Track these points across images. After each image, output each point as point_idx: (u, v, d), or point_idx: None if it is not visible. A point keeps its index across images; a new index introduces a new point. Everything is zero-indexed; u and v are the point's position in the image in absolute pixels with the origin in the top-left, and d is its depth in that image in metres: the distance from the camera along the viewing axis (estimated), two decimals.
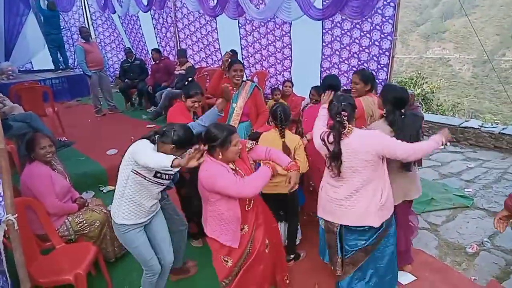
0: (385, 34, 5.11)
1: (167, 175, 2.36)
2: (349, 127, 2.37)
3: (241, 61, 7.24)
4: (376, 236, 2.50)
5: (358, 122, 2.97)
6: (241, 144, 2.35)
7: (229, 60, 3.59)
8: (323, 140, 2.43)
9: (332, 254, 2.66)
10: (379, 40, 5.20)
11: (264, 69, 7.19)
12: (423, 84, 10.27)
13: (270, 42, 6.83)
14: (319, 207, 2.64)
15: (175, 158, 1.94)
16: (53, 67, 8.94)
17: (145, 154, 2.10)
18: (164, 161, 1.96)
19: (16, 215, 2.16)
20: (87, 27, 9.38)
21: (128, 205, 2.30)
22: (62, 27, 9.28)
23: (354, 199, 2.43)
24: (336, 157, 2.36)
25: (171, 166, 1.92)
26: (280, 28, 6.51)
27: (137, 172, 2.23)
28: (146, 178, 2.26)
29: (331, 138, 2.39)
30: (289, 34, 6.44)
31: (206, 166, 2.19)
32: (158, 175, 2.31)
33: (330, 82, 3.34)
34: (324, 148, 2.44)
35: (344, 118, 2.35)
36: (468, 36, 41.69)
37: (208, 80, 7.23)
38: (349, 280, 2.61)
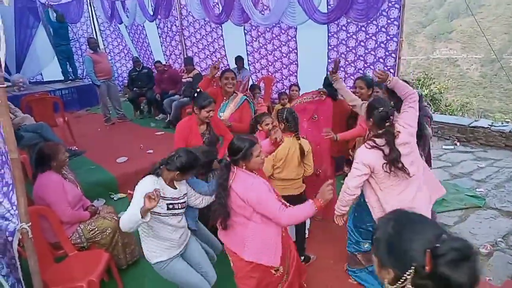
0: (391, 36, 5.11)
1: (179, 205, 2.39)
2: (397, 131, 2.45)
3: (247, 68, 7.33)
4: None
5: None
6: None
7: (218, 68, 3.58)
8: (375, 147, 2.42)
9: None
10: (385, 42, 5.20)
11: (270, 74, 7.22)
12: (430, 84, 10.20)
13: (276, 47, 6.86)
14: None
15: (141, 208, 2.00)
16: (62, 78, 9.09)
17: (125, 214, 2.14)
18: (133, 218, 2.06)
19: (30, 223, 2.20)
20: (95, 37, 9.52)
21: (158, 243, 2.31)
22: (71, 38, 9.46)
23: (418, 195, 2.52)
24: (397, 160, 2.38)
25: (141, 217, 2.01)
26: (286, 33, 6.55)
27: (150, 212, 2.14)
28: (161, 214, 2.28)
29: (380, 142, 2.43)
30: (294, 39, 6.47)
31: (242, 177, 2.17)
32: (171, 206, 2.34)
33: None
34: (379, 157, 2.41)
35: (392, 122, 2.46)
36: (475, 36, 41.35)
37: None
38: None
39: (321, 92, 3.79)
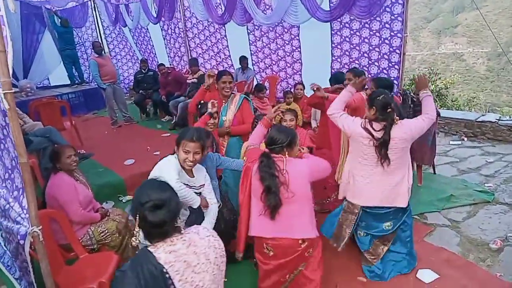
0: (395, 32, 5.09)
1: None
2: (396, 118, 2.65)
3: (251, 67, 7.34)
4: (401, 217, 2.87)
5: (358, 112, 3.20)
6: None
7: (213, 75, 3.52)
8: (365, 128, 2.68)
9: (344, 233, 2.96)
10: (389, 38, 5.18)
11: (274, 73, 7.22)
12: (436, 80, 10.11)
13: (279, 46, 6.87)
14: (347, 192, 2.93)
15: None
16: (69, 82, 9.18)
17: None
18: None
19: (41, 227, 2.23)
20: (100, 41, 9.60)
21: None
22: (76, 43, 9.55)
23: (391, 182, 2.78)
24: (385, 144, 2.63)
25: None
26: (289, 32, 6.55)
27: None
28: None
29: (377, 126, 2.66)
30: (298, 37, 6.47)
31: (293, 160, 2.34)
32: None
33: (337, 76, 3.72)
34: (366, 136, 2.68)
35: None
36: (481, 30, 40.96)
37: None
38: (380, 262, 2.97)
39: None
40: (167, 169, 2.27)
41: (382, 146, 2.65)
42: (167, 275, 1.34)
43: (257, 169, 2.32)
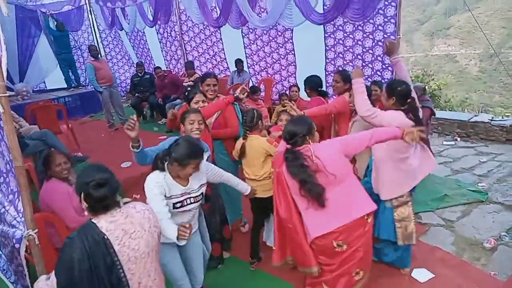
0: (388, 34, 5.13)
1: (191, 199, 2.31)
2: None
3: (247, 70, 7.37)
4: None
5: (343, 117, 3.34)
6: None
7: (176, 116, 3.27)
8: (410, 117, 2.65)
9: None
10: (382, 40, 5.22)
11: (269, 76, 7.26)
12: (429, 81, 10.21)
13: (273, 49, 6.90)
14: (387, 190, 2.80)
15: (177, 234, 2.01)
16: (65, 86, 9.16)
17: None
18: (167, 232, 2.03)
19: (37, 230, 2.23)
20: (96, 45, 9.60)
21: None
22: (72, 46, 9.53)
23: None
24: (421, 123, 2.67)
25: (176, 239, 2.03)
26: (282, 35, 6.59)
27: None
28: (169, 210, 2.21)
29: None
30: (291, 41, 6.51)
31: (319, 145, 2.36)
32: (178, 205, 2.26)
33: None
34: (412, 124, 2.62)
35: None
36: (473, 31, 41.27)
37: None
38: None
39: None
40: (149, 188, 2.21)
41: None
42: (107, 241, 1.61)
43: (286, 168, 2.29)
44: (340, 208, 2.26)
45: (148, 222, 1.74)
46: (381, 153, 2.76)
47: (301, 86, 5.75)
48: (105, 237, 1.60)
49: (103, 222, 1.65)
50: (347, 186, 2.30)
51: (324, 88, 4.61)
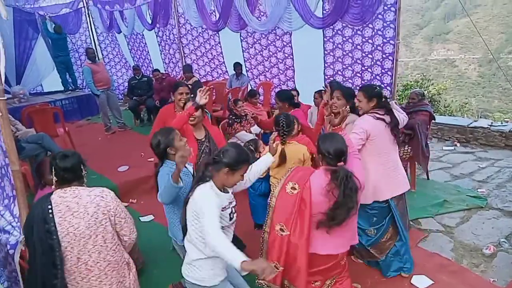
0: (388, 39, 5.13)
1: (234, 208, 2.14)
2: None
3: (245, 74, 7.36)
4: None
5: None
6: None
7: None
8: (377, 118, 2.84)
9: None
10: (381, 45, 5.23)
11: (268, 80, 7.25)
12: (428, 86, 10.21)
13: (272, 53, 6.90)
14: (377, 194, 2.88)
15: (243, 261, 1.69)
16: (62, 88, 9.13)
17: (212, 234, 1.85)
18: (231, 258, 1.75)
19: None
20: (94, 48, 9.59)
21: (215, 262, 2.02)
22: (69, 49, 9.51)
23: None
24: (397, 125, 2.91)
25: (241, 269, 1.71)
26: (281, 39, 6.59)
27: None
28: (224, 227, 2.02)
29: (380, 111, 2.88)
30: (290, 45, 6.51)
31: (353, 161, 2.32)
32: (232, 215, 2.10)
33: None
34: (382, 123, 2.85)
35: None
36: (472, 36, 41.51)
37: (214, 94, 7.31)
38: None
39: None
40: (210, 204, 1.94)
41: (395, 127, 2.89)
42: (50, 211, 1.85)
43: (328, 185, 2.13)
44: (342, 237, 2.26)
45: (94, 207, 1.89)
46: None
47: (300, 90, 5.79)
48: (50, 207, 1.86)
49: (55, 195, 1.90)
50: (354, 218, 2.25)
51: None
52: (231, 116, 5.00)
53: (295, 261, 2.30)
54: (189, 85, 6.82)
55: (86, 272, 1.94)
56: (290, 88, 6.16)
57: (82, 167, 2.00)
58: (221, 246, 1.78)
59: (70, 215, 1.87)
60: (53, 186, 1.95)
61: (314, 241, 2.25)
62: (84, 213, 1.87)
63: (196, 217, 1.93)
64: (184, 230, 2.07)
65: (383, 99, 2.94)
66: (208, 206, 1.89)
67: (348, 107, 3.08)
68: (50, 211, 1.85)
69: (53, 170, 1.91)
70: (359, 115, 3.03)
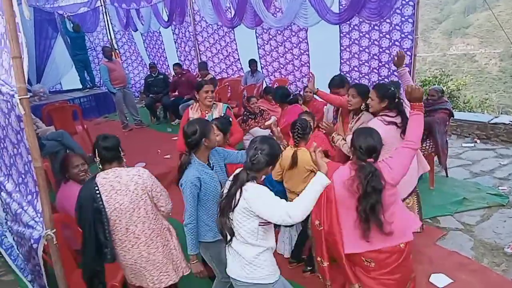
0: (406, 34, 5.05)
1: None
2: None
3: (260, 71, 7.35)
4: None
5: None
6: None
7: None
8: (387, 122, 2.75)
9: None
10: (399, 40, 5.14)
11: (283, 77, 7.22)
12: (448, 82, 9.98)
13: (287, 49, 6.87)
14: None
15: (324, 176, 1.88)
16: (80, 86, 9.31)
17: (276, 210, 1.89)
18: (317, 189, 1.86)
19: (55, 230, 2.26)
20: (111, 46, 9.73)
21: (271, 257, 2.07)
22: (87, 48, 9.68)
23: None
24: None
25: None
26: (297, 35, 6.55)
27: (265, 222, 1.98)
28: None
29: (392, 114, 2.79)
30: (306, 41, 6.46)
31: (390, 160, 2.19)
32: None
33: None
34: (393, 127, 2.74)
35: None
36: (494, 30, 40.33)
37: (229, 91, 7.32)
38: None
39: None
40: (266, 196, 1.96)
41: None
42: (98, 191, 2.14)
43: (351, 179, 2.11)
44: (378, 233, 2.13)
45: (134, 185, 2.18)
46: None
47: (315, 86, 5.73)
48: (96, 188, 2.14)
49: (99, 178, 2.18)
50: (393, 212, 2.19)
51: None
52: (245, 113, 5.01)
53: (336, 257, 2.31)
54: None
55: (135, 240, 2.24)
56: (305, 85, 6.11)
57: (120, 149, 2.29)
58: (304, 204, 1.85)
59: (114, 193, 2.15)
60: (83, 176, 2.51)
61: (346, 240, 2.21)
62: (126, 190, 2.16)
63: (249, 216, 1.95)
64: (224, 235, 2.06)
65: (396, 100, 2.82)
66: (267, 196, 1.93)
67: (363, 104, 3.07)
68: (97, 191, 2.14)
69: (96, 151, 2.21)
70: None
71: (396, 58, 3.11)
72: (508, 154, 5.41)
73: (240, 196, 1.94)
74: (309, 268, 3.12)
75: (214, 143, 2.38)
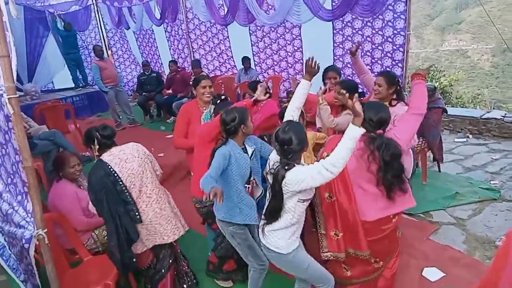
0: (398, 30, 5.06)
1: None
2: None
3: (254, 68, 7.33)
4: None
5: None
6: None
7: None
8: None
9: None
10: (392, 36, 5.16)
11: (276, 74, 7.22)
12: (440, 77, 10.04)
13: (281, 46, 6.86)
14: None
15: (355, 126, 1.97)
16: (73, 85, 9.24)
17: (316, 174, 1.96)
18: (352, 136, 1.93)
19: (46, 229, 2.24)
20: (103, 45, 9.66)
21: (294, 229, 2.18)
22: (79, 46, 9.60)
23: None
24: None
25: None
26: (290, 32, 6.54)
27: (304, 199, 2.11)
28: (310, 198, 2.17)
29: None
30: (299, 37, 6.46)
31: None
32: None
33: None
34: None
35: None
36: (486, 26, 40.56)
37: (223, 89, 7.31)
38: None
39: None
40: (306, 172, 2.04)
41: None
42: (110, 167, 2.46)
43: (364, 152, 2.21)
44: (399, 196, 2.27)
45: (137, 152, 2.59)
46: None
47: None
48: (108, 165, 2.46)
49: (105, 156, 2.51)
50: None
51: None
52: None
53: (350, 226, 2.35)
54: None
55: (148, 200, 2.58)
56: (299, 82, 6.12)
57: (115, 136, 2.63)
58: (341, 154, 1.91)
59: (124, 163, 2.50)
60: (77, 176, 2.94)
61: (361, 208, 2.30)
62: (132, 157, 2.54)
63: (294, 194, 2.05)
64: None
65: (398, 88, 2.95)
66: (306, 172, 1.98)
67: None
68: (109, 166, 2.45)
69: (95, 139, 2.52)
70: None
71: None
72: (500, 149, 5.46)
73: (280, 181, 2.02)
74: None
75: (251, 129, 2.44)
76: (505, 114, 6.09)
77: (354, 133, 1.92)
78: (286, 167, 2.02)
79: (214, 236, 2.95)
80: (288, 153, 2.04)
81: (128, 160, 2.52)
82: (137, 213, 2.51)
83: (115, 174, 2.45)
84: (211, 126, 2.63)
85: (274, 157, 2.19)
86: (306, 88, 2.53)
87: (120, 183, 2.46)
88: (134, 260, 2.58)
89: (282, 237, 2.16)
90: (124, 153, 2.53)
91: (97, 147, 2.53)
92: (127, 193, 2.48)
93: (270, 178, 2.14)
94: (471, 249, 3.31)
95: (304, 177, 1.97)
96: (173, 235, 2.66)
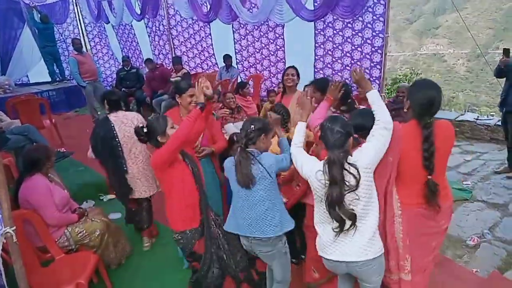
0: (377, 32, 5.15)
1: None
2: None
3: (235, 66, 7.31)
4: None
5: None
6: None
7: None
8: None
9: None
10: (371, 38, 5.24)
11: (258, 72, 7.22)
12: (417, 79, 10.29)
13: (263, 45, 6.87)
14: None
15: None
16: (49, 79, 8.97)
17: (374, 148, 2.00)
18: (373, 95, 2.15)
19: (14, 227, 2.16)
20: (81, 38, 9.42)
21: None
22: (57, 39, 9.34)
23: None
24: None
25: None
26: (273, 31, 6.56)
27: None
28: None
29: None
30: (282, 37, 6.49)
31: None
32: None
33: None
34: None
35: None
36: (461, 31, 41.75)
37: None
38: None
39: None
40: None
41: None
42: (112, 125, 3.15)
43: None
44: None
45: (136, 120, 3.22)
46: None
47: None
48: (111, 123, 3.15)
49: (111, 117, 3.18)
50: None
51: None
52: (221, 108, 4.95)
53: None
54: (180, 77, 6.79)
55: (135, 158, 3.24)
56: (280, 81, 6.14)
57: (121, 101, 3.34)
58: (382, 112, 2.05)
59: (123, 125, 3.16)
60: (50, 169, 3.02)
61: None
62: (131, 123, 3.14)
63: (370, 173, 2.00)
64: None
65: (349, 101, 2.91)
66: (374, 143, 2.04)
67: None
68: (112, 125, 3.14)
69: (107, 101, 3.23)
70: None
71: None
72: (473, 150, 5.63)
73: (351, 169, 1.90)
74: (293, 260, 3.10)
75: (268, 145, 2.34)
76: (478, 117, 6.29)
77: (373, 94, 2.14)
78: (343, 153, 1.91)
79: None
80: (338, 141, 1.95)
81: (128, 125, 3.13)
82: (124, 166, 3.18)
83: (115, 132, 3.12)
84: (162, 152, 2.30)
85: (311, 167, 2.05)
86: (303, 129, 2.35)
87: (116, 139, 3.12)
88: (130, 187, 3.25)
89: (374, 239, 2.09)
90: (126, 118, 3.18)
91: (107, 106, 3.23)
92: (119, 149, 3.13)
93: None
94: (443, 248, 3.38)
95: (371, 145, 2.01)
96: (149, 192, 3.34)
